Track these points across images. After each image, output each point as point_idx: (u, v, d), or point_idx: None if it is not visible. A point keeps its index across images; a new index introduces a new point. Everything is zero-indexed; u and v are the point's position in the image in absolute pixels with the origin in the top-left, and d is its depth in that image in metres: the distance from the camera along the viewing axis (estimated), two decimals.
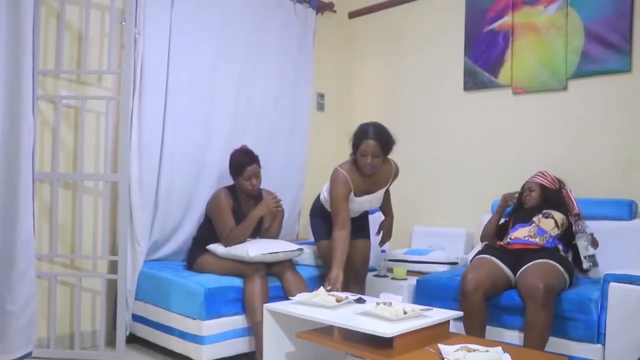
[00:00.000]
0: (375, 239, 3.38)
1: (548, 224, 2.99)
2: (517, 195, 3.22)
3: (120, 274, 3.01)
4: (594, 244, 2.91)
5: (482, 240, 3.20)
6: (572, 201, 3.11)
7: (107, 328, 3.16)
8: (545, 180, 3.16)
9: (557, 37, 3.45)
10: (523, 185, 3.22)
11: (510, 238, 3.03)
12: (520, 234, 3.01)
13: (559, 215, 3.02)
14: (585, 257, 2.85)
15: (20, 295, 2.68)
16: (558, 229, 2.99)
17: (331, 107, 4.52)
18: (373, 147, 2.93)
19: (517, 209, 3.24)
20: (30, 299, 2.72)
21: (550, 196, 3.12)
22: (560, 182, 3.19)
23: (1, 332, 2.65)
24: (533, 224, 3.02)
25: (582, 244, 2.89)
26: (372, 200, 3.17)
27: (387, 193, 3.28)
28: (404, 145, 4.26)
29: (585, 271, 2.97)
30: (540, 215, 3.04)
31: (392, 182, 3.24)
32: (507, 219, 3.26)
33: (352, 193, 3.02)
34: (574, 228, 2.96)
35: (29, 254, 2.72)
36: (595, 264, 2.87)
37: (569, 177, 3.23)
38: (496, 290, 2.80)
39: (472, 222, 3.77)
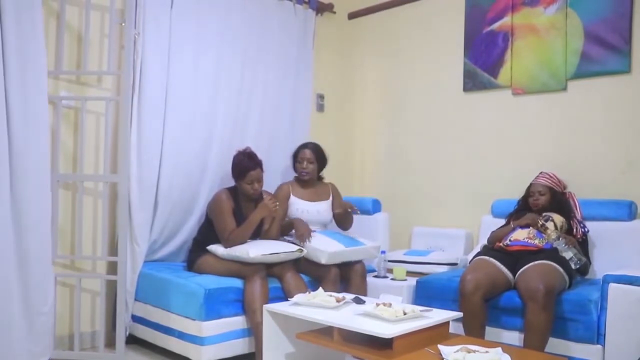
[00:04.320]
0: None
1: (549, 227, 2.97)
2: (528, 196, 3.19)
3: (120, 275, 3.00)
4: (569, 243, 2.84)
5: (488, 241, 3.17)
6: (576, 205, 3.11)
7: (107, 329, 3.16)
8: (553, 182, 3.13)
9: (557, 38, 3.45)
10: (529, 188, 3.18)
11: (509, 240, 3.02)
12: (520, 235, 3.01)
13: (558, 218, 3.00)
14: (570, 259, 2.79)
15: (49, 296, 2.74)
16: (557, 232, 2.97)
17: (331, 108, 4.52)
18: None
19: (518, 210, 3.22)
20: (53, 300, 2.78)
21: (556, 199, 3.11)
22: (562, 181, 3.19)
23: (39, 334, 2.69)
24: (532, 230, 3.00)
25: (560, 247, 2.83)
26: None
27: None
28: (404, 146, 4.30)
29: (582, 272, 2.95)
30: (540, 218, 3.02)
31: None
32: (507, 219, 3.25)
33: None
34: (563, 243, 2.84)
35: (50, 255, 2.78)
36: (580, 260, 2.79)
37: (569, 178, 3.23)
38: (495, 291, 2.80)
39: (472, 222, 3.77)
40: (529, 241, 2.94)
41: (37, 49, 2.67)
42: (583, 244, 3.01)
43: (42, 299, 2.70)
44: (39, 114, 2.69)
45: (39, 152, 2.69)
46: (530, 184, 3.18)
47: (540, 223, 2.94)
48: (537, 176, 3.19)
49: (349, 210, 3.43)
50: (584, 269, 2.93)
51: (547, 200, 3.10)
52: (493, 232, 3.20)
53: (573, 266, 2.78)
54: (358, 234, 3.48)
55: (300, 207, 3.50)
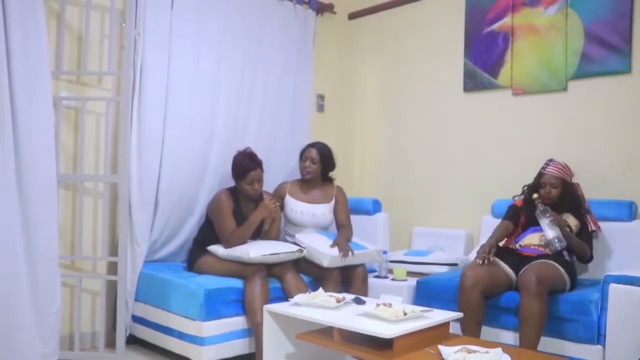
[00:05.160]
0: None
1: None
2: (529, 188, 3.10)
3: (120, 275, 3.00)
4: (554, 222, 2.79)
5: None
6: (584, 197, 3.04)
7: (107, 329, 3.16)
8: (565, 173, 3.00)
9: (557, 38, 3.45)
10: (539, 178, 3.02)
11: (520, 245, 2.97)
12: (532, 240, 2.95)
13: (572, 221, 2.94)
14: (551, 241, 2.76)
15: (57, 296, 2.75)
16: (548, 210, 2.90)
17: (331, 108, 4.52)
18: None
19: (526, 201, 3.07)
20: (61, 300, 2.78)
21: (567, 191, 3.00)
22: (571, 170, 3.07)
23: (48, 335, 2.69)
24: (543, 234, 2.90)
25: (545, 222, 2.79)
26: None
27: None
28: (404, 146, 4.30)
29: (580, 259, 2.92)
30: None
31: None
32: (511, 210, 3.13)
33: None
34: (548, 220, 2.80)
35: (57, 254, 2.79)
36: (562, 241, 2.76)
37: None
38: (495, 289, 2.80)
39: (472, 223, 3.77)
40: (540, 249, 2.90)
41: (40, 51, 2.68)
42: (591, 236, 2.97)
43: (51, 299, 2.71)
44: (45, 115, 2.70)
45: (45, 151, 2.70)
46: (541, 174, 3.03)
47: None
48: (548, 164, 3.04)
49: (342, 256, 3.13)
50: (581, 256, 2.91)
51: (558, 193, 2.98)
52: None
53: (558, 247, 2.75)
54: (359, 236, 3.48)
55: (295, 207, 3.48)
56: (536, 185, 3.05)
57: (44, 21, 2.71)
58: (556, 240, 2.77)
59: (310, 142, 3.67)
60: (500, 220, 3.19)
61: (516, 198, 3.20)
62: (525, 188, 3.16)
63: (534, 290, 2.56)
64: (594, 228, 2.98)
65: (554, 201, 2.97)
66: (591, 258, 2.97)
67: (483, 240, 3.33)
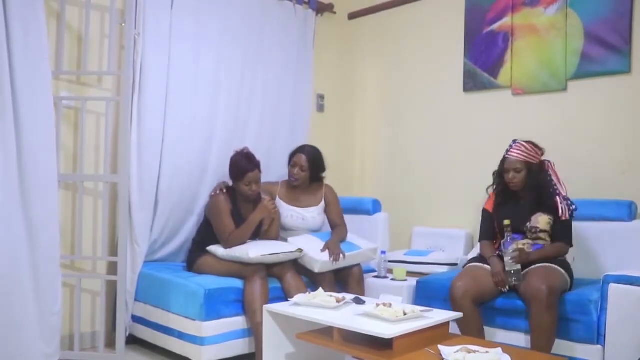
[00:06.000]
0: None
1: (542, 237, 2.89)
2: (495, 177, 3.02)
3: (120, 275, 3.01)
4: (516, 259, 2.72)
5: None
6: (559, 179, 2.91)
7: (107, 329, 3.16)
8: (529, 155, 2.86)
9: (557, 38, 3.45)
10: (503, 163, 2.93)
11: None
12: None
13: (544, 220, 2.86)
14: (510, 272, 2.71)
15: (59, 296, 2.75)
16: (549, 232, 2.89)
17: (331, 108, 4.52)
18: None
19: (498, 194, 3.00)
20: (60, 299, 2.78)
21: (533, 174, 2.86)
22: (539, 150, 2.92)
23: (50, 335, 2.70)
24: (527, 242, 2.86)
25: (507, 259, 2.73)
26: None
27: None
28: (404, 146, 4.30)
29: (567, 263, 2.85)
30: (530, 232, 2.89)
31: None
32: (484, 214, 3.07)
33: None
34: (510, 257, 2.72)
35: (58, 254, 2.79)
36: (519, 279, 2.70)
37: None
38: (487, 296, 2.79)
39: (472, 223, 3.76)
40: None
41: (41, 49, 2.68)
42: (566, 225, 2.87)
43: (53, 298, 2.71)
44: (46, 115, 2.70)
45: (47, 152, 2.70)
46: (504, 158, 2.93)
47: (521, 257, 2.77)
48: (511, 147, 2.93)
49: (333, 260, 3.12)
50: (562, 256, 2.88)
51: (524, 176, 2.85)
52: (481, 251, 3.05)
53: (513, 282, 2.70)
54: (357, 235, 3.47)
55: (284, 212, 3.45)
56: (501, 170, 2.97)
57: (45, 20, 2.71)
58: (512, 274, 2.71)
59: (309, 142, 3.65)
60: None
61: (490, 190, 3.10)
62: (495, 175, 3.06)
63: (546, 302, 2.53)
64: (564, 217, 2.83)
65: (524, 185, 2.88)
66: (571, 246, 2.90)
67: None
